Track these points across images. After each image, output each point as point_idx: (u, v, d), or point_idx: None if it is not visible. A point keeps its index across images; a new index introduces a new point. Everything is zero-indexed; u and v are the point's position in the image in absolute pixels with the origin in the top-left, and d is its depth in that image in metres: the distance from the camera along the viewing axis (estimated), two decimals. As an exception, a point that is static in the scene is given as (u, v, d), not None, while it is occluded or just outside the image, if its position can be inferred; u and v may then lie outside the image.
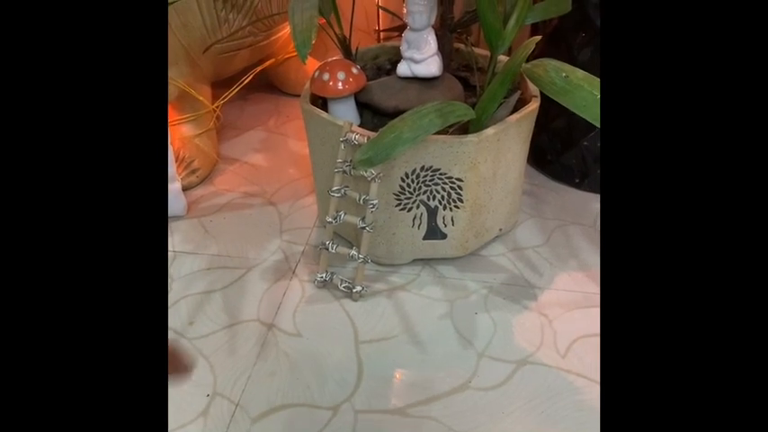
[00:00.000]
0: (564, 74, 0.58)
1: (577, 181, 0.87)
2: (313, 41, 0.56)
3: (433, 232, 0.71)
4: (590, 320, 0.67)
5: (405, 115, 0.60)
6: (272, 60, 1.02)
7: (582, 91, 0.56)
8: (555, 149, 0.88)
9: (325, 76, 0.67)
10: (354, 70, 0.69)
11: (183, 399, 0.59)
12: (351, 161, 0.65)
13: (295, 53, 1.04)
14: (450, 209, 0.69)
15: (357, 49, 0.77)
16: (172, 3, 0.75)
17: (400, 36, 0.72)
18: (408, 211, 0.69)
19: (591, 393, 0.59)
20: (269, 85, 1.13)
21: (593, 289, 0.71)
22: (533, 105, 0.68)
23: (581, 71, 0.58)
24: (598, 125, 0.55)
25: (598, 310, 0.68)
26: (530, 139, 0.72)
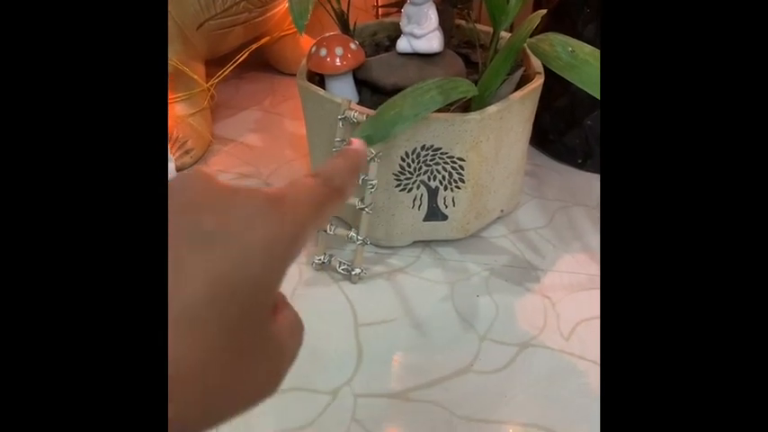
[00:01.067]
0: (570, 48, 0.56)
1: (580, 161, 0.85)
2: (310, 12, 0.54)
3: (434, 213, 0.69)
4: (594, 303, 0.65)
5: (405, 92, 0.58)
6: (268, 38, 1.00)
7: (588, 66, 0.54)
8: (557, 129, 0.86)
9: (323, 52, 0.65)
10: (353, 46, 0.67)
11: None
12: (349, 140, 0.63)
13: (291, 31, 1.02)
14: (452, 189, 0.67)
15: (355, 24, 0.75)
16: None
17: (399, 12, 0.70)
18: (408, 191, 0.67)
19: (595, 377, 0.58)
20: (264, 63, 1.11)
21: (597, 271, 0.69)
22: (537, 82, 0.66)
23: (588, 46, 0.56)
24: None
25: (602, 292, 0.67)
26: (533, 117, 0.70)
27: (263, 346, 0.18)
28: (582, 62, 0.55)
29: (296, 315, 0.20)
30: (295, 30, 0.96)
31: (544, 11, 0.60)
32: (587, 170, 0.85)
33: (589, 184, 0.83)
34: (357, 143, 0.23)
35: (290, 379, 0.59)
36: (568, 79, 0.54)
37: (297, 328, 0.20)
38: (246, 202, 0.18)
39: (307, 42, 1.03)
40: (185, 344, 0.15)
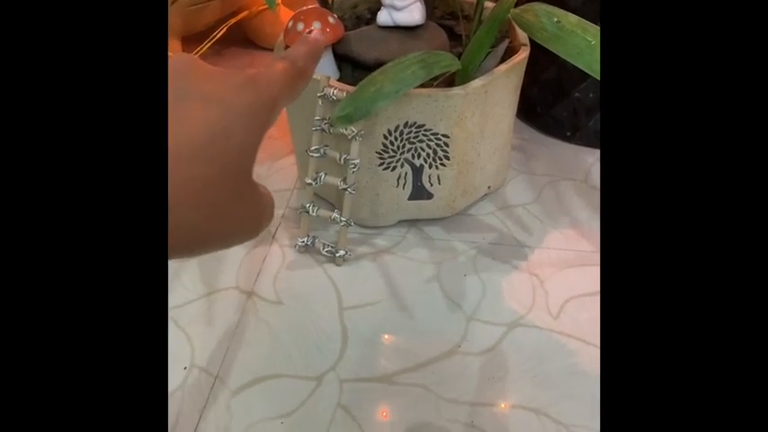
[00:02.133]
0: (555, 19, 0.54)
1: (568, 134, 0.83)
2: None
3: (419, 192, 0.68)
4: (582, 279, 0.64)
5: (385, 67, 0.56)
6: (246, 12, 0.97)
7: (575, 37, 0.52)
8: (545, 102, 0.84)
9: (300, 27, 0.63)
10: (331, 20, 0.64)
11: (159, 372, 0.56)
12: (329, 118, 0.61)
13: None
14: (437, 167, 0.65)
15: (334, -4, 0.72)
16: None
17: (380, -18, 0.67)
18: (392, 170, 0.65)
19: (584, 356, 0.57)
20: (244, 39, 1.07)
21: (586, 247, 0.68)
22: (523, 54, 0.64)
23: (573, 16, 0.54)
24: (592, 73, 0.51)
25: (591, 268, 0.66)
26: (519, 90, 0.68)
27: (248, 194, 0.21)
28: (568, 33, 0.52)
29: (270, 193, 0.24)
30: (277, 2, 0.92)
31: (529, -21, 0.58)
32: (575, 143, 0.83)
33: (577, 158, 0.81)
34: (315, 32, 0.27)
35: (273, 365, 0.58)
36: (554, 51, 0.52)
37: (271, 200, 0.24)
38: (233, 77, 0.22)
39: (287, 16, 0.99)
40: (191, 172, 0.18)
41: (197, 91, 0.20)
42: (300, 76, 0.25)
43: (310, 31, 0.25)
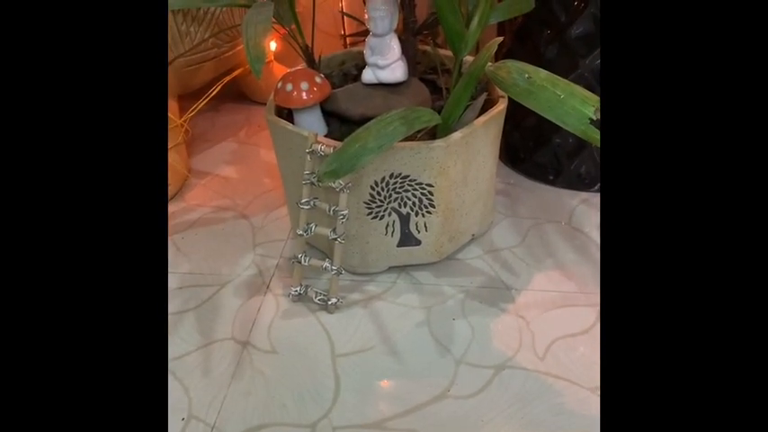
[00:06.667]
0: (527, 75, 0.57)
1: (551, 178, 0.86)
2: (267, 56, 0.55)
3: (407, 239, 0.70)
4: (567, 320, 0.66)
5: (369, 124, 0.59)
6: (241, 70, 1.01)
7: (545, 92, 0.56)
8: (527, 147, 0.87)
9: (289, 87, 0.66)
10: (318, 79, 0.68)
11: (157, 424, 0.57)
12: (317, 173, 0.64)
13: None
14: (423, 215, 0.68)
15: (320, 57, 0.76)
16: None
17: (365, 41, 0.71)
18: (380, 219, 0.68)
19: (570, 395, 0.58)
20: (239, 94, 1.12)
21: (570, 288, 0.70)
22: (500, 107, 0.68)
23: (544, 71, 0.57)
24: (562, 125, 0.54)
25: (575, 309, 0.67)
26: (499, 139, 0.72)
27: None
28: (539, 88, 0.56)
29: None
30: (269, 60, 0.97)
31: (501, 38, 0.62)
32: (558, 186, 0.86)
33: (560, 201, 0.84)
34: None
35: (268, 414, 0.59)
36: (527, 105, 0.56)
37: None
38: None
39: (280, 71, 1.04)
40: None
41: None
42: None
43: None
